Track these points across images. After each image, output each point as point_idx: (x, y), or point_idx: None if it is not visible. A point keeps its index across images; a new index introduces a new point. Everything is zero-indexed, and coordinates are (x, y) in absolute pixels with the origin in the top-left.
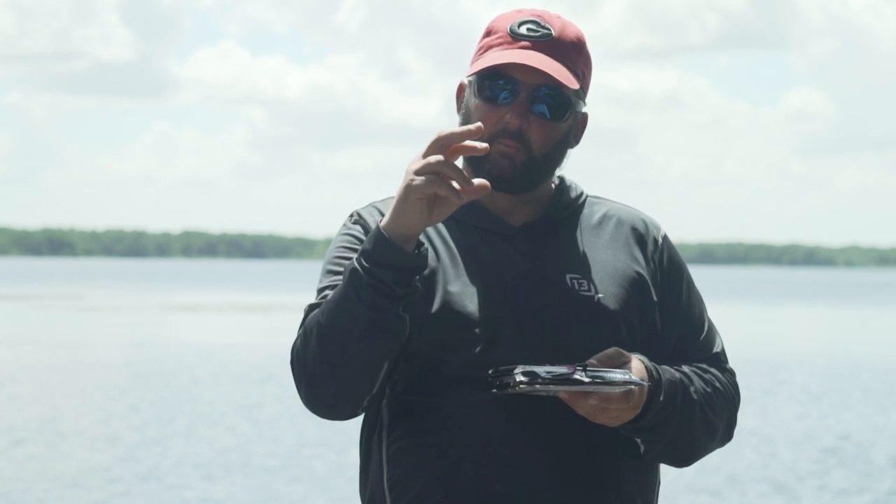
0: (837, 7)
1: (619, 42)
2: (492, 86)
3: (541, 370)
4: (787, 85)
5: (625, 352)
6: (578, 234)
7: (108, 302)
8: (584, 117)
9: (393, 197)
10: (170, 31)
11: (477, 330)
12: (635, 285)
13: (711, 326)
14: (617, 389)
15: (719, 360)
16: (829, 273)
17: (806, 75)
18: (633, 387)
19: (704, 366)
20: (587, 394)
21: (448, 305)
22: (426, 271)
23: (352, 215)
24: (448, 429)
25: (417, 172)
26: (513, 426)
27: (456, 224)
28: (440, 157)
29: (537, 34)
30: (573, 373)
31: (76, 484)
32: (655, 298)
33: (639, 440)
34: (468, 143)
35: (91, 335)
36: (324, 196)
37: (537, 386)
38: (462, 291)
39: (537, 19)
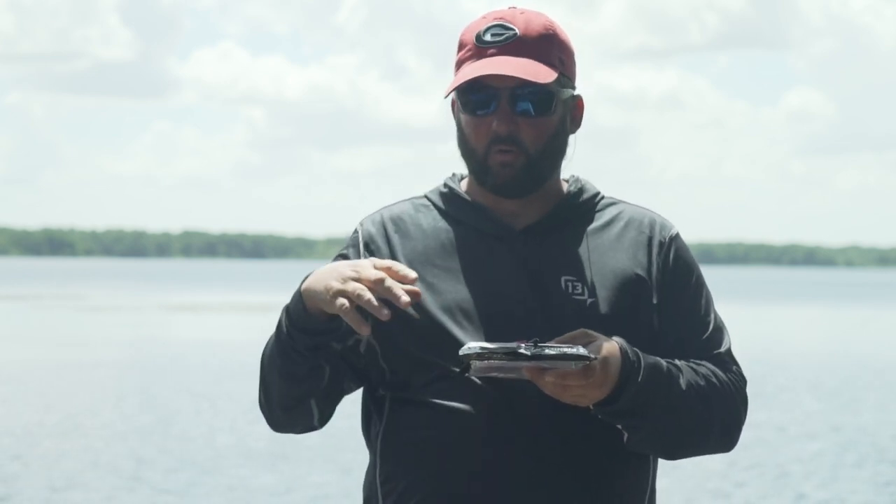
0: (837, 7)
1: (619, 42)
2: (472, 99)
3: (489, 345)
4: (787, 85)
5: (594, 333)
6: (583, 235)
7: (108, 302)
8: (578, 100)
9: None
10: (170, 31)
11: (464, 332)
12: (634, 288)
13: (718, 328)
14: (560, 364)
15: (722, 359)
16: (829, 273)
17: (806, 75)
18: (589, 362)
19: (704, 362)
20: (544, 370)
21: (438, 307)
22: (420, 269)
23: (355, 229)
24: (432, 428)
25: (342, 291)
26: (496, 426)
27: (457, 225)
28: (368, 297)
29: (502, 37)
30: (518, 347)
31: (106, 479)
32: (655, 301)
33: (620, 426)
34: (395, 290)
35: (91, 335)
36: (324, 196)
37: (487, 361)
38: (453, 294)
39: (500, 22)
